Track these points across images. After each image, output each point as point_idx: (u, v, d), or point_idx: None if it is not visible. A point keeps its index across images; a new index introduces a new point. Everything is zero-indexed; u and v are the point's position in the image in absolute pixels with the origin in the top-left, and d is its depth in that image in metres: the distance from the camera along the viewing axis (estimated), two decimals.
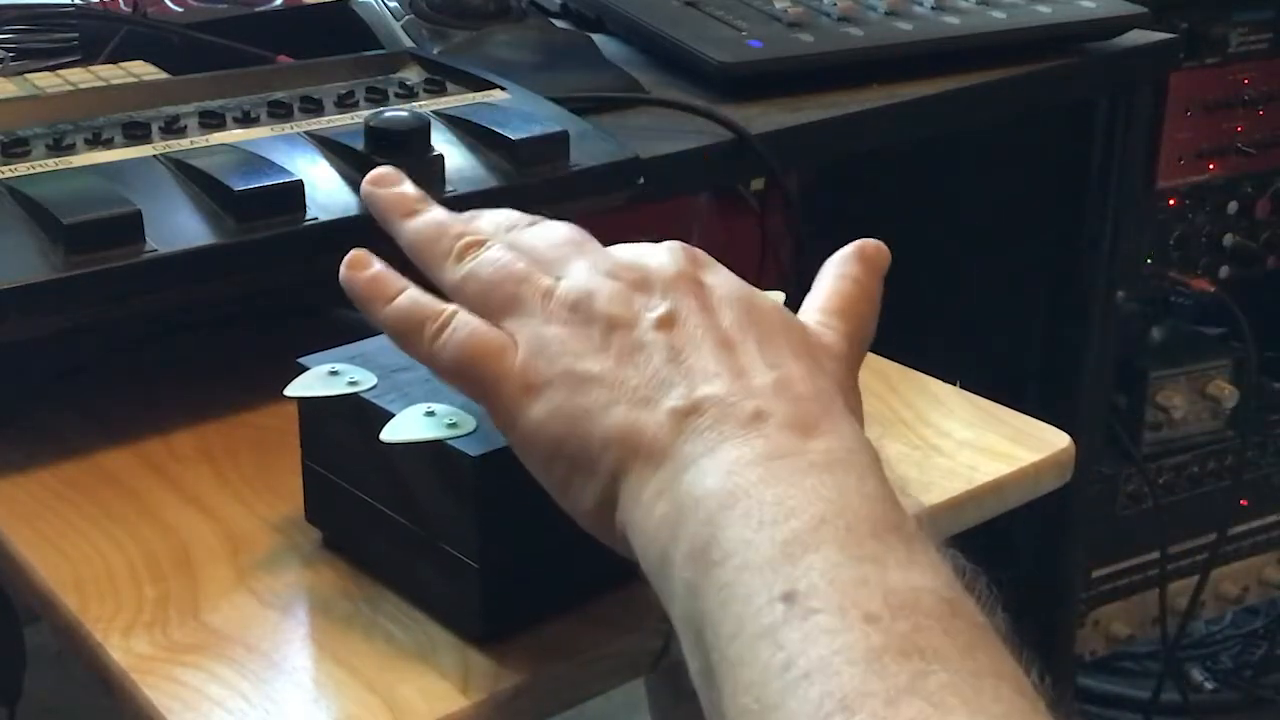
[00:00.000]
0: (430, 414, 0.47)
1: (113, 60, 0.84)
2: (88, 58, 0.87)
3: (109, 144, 0.63)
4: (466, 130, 0.67)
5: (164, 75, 0.79)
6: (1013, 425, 0.63)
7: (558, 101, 0.73)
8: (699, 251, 0.47)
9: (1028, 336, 1.17)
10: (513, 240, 0.48)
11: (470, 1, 0.88)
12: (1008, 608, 0.39)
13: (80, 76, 0.79)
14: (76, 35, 0.89)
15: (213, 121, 0.66)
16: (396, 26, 0.86)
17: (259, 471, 0.59)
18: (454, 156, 0.65)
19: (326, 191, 0.61)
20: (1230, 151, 1.31)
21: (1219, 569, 1.39)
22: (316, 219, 0.60)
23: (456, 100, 0.72)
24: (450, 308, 0.46)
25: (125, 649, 0.47)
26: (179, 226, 0.58)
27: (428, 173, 0.62)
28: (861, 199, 1.27)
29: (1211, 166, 1.31)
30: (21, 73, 0.81)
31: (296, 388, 0.50)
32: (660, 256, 0.46)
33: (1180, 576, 1.37)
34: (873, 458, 0.41)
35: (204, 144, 0.64)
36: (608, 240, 0.48)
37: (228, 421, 0.63)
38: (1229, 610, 1.49)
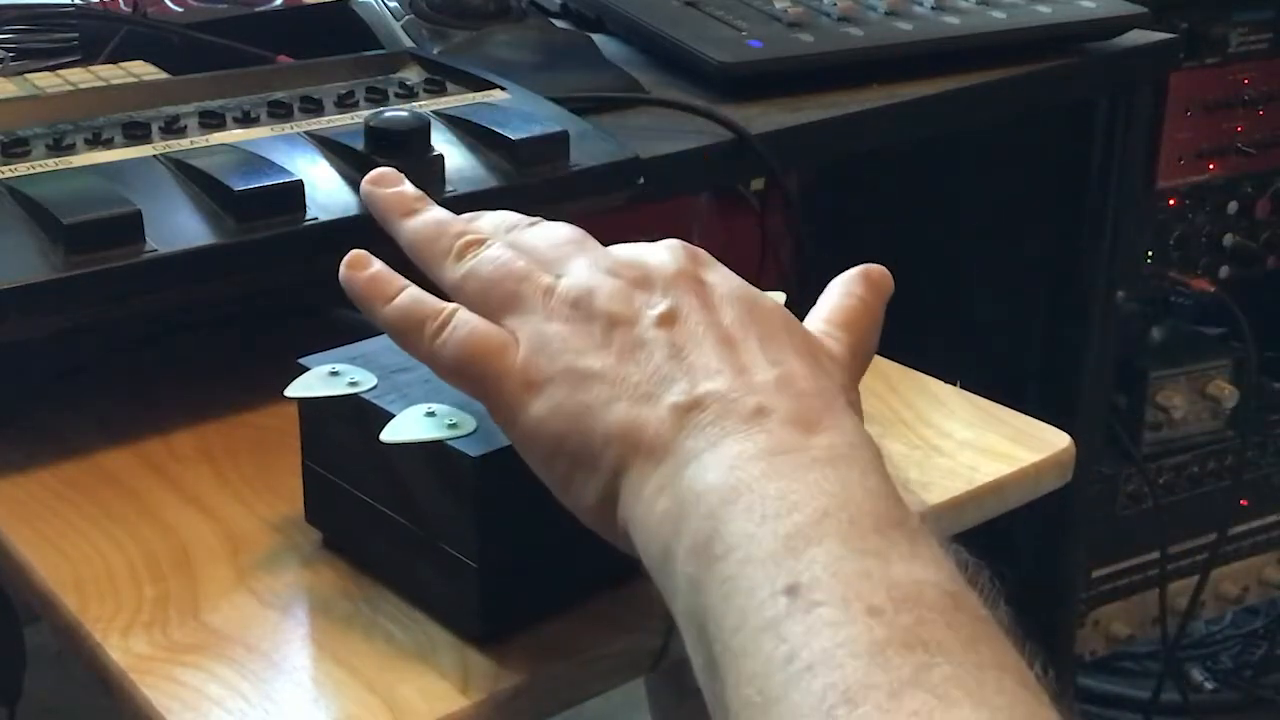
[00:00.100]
0: (430, 414, 0.47)
1: (113, 60, 0.84)
2: (88, 58, 0.87)
3: (109, 144, 0.63)
4: (466, 130, 0.67)
5: (164, 75, 0.79)
6: (1013, 425, 0.63)
7: (558, 101, 0.73)
8: (699, 250, 0.47)
9: (1028, 336, 1.17)
10: (513, 240, 0.48)
11: (470, 1, 0.88)
12: (1008, 607, 0.39)
13: (80, 76, 0.79)
14: (76, 35, 0.89)
15: (213, 121, 0.66)
16: (396, 26, 0.86)
17: (259, 471, 0.59)
18: (454, 156, 0.65)
19: (326, 191, 0.61)
20: (1230, 151, 1.31)
21: (1219, 569, 1.39)
22: (316, 219, 0.60)
23: (456, 100, 0.72)
24: (451, 306, 0.46)
25: (125, 649, 0.47)
26: (179, 226, 0.58)
27: (428, 173, 0.62)
28: (861, 199, 1.27)
29: (1211, 166, 1.31)
30: (21, 73, 0.81)
31: (297, 388, 0.50)
32: (661, 255, 0.46)
33: (1180, 576, 1.37)
34: (875, 453, 0.41)
35: (204, 144, 0.64)
36: (608, 241, 0.48)
37: (228, 421, 0.63)
38: (1229, 610, 1.49)
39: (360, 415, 0.49)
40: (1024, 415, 0.64)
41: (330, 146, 0.64)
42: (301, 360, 0.51)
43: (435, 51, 0.83)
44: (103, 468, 0.59)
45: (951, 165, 1.20)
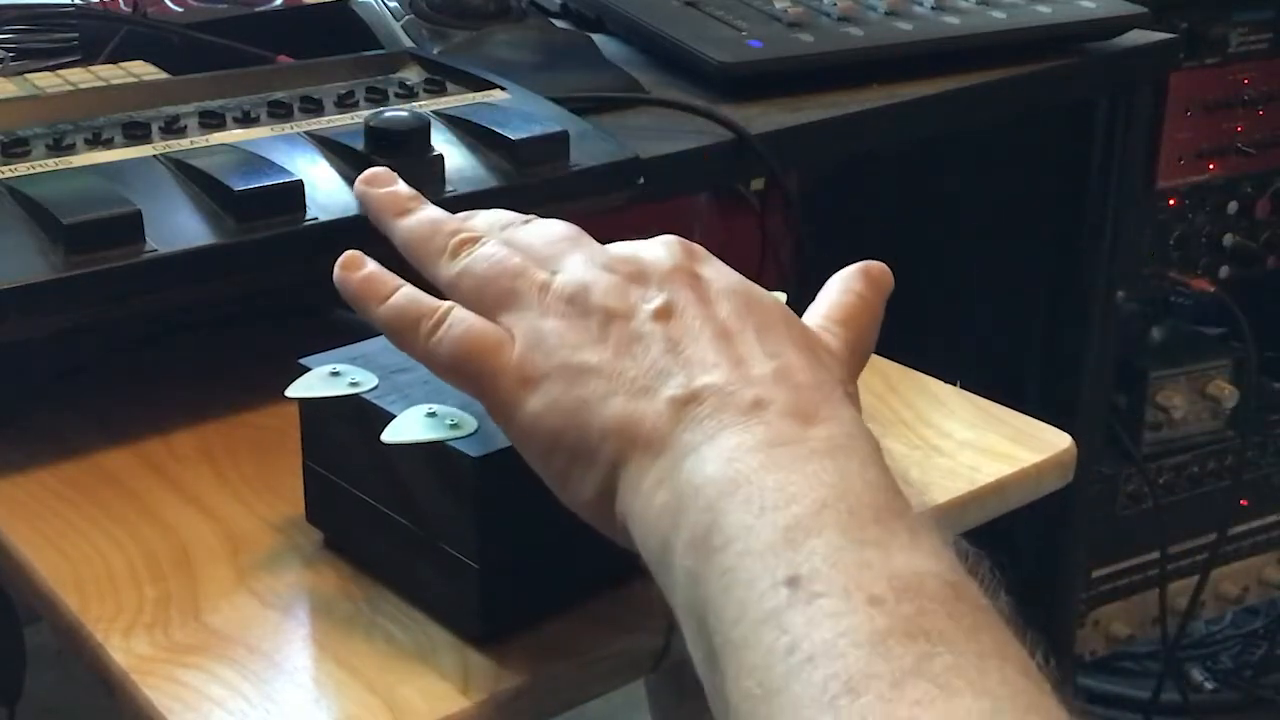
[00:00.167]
0: (431, 415, 0.47)
1: (113, 60, 0.84)
2: (88, 58, 0.86)
3: (109, 144, 0.63)
4: (466, 130, 0.67)
5: (164, 75, 0.79)
6: (1013, 425, 0.63)
7: (558, 101, 0.73)
8: (695, 245, 0.47)
9: (1028, 336, 1.17)
10: (508, 237, 0.48)
11: (470, 1, 0.88)
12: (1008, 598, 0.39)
13: (80, 76, 0.79)
14: (76, 35, 0.89)
15: (213, 121, 0.66)
16: (396, 26, 0.86)
17: (259, 471, 0.59)
18: (454, 156, 0.65)
19: (326, 191, 0.61)
20: (1230, 151, 1.31)
21: (1219, 569, 1.39)
22: (316, 219, 0.60)
23: (456, 100, 0.72)
24: (446, 304, 0.46)
25: (126, 649, 0.47)
26: (179, 226, 0.58)
27: (428, 173, 0.62)
28: (861, 199, 1.27)
29: (1211, 166, 1.31)
30: (21, 73, 0.80)
31: (298, 388, 0.50)
32: (656, 250, 0.46)
33: (1180, 576, 1.37)
34: (874, 445, 0.41)
35: (204, 144, 0.64)
36: (608, 241, 0.48)
37: (228, 421, 0.63)
38: (1229, 610, 1.49)
39: (361, 416, 0.49)
40: (1024, 415, 0.64)
41: (330, 146, 0.64)
42: (302, 360, 0.51)
43: (435, 51, 0.83)
44: (103, 468, 0.59)
45: (951, 165, 1.20)
